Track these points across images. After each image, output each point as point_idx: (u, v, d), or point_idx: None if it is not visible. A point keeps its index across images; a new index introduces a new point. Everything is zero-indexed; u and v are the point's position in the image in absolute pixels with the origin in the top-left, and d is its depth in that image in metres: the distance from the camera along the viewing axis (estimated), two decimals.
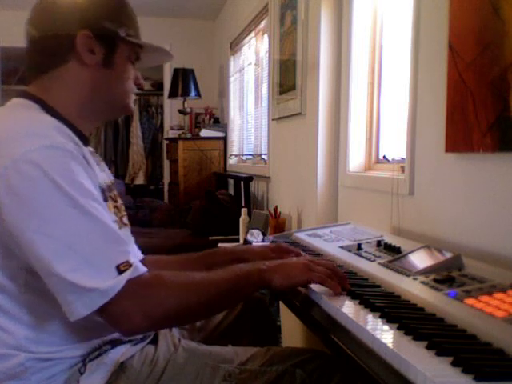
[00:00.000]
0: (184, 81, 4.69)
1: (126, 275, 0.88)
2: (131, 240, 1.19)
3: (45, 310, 0.94)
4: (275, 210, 2.69)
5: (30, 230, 0.86)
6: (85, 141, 1.06)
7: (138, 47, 1.11)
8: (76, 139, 0.98)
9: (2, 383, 0.93)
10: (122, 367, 0.99)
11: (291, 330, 2.16)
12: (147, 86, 6.13)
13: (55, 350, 0.95)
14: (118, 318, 0.91)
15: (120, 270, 0.88)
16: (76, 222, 0.88)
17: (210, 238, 3.22)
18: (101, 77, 1.05)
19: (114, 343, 1.02)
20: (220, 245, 2.79)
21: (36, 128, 0.93)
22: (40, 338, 0.94)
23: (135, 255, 1.17)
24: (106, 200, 1.02)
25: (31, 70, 1.07)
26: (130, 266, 0.90)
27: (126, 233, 1.14)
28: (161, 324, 1.00)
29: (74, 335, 0.96)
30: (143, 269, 0.93)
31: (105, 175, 1.11)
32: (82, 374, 0.96)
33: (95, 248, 0.88)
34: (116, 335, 1.02)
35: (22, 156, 0.87)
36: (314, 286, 1.07)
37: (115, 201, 1.11)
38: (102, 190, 1.01)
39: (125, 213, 1.17)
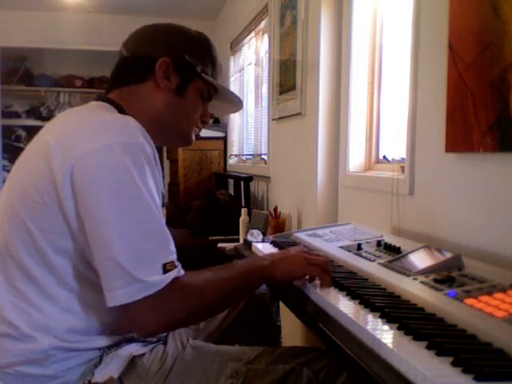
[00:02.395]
0: None
1: (172, 274, 0.92)
2: None
3: (83, 298, 0.96)
4: (275, 210, 2.69)
5: (97, 211, 0.91)
6: None
7: (212, 88, 1.20)
8: (152, 144, 1.01)
9: (21, 366, 0.95)
10: (132, 363, 1.01)
11: (291, 330, 2.16)
12: None
13: (79, 340, 0.97)
14: (143, 316, 0.91)
15: (166, 269, 0.92)
16: (139, 214, 0.92)
17: (210, 238, 3.21)
18: (171, 102, 1.14)
19: (130, 340, 1.04)
20: (220, 245, 2.80)
21: (122, 125, 0.99)
22: (70, 323, 0.97)
23: None
24: (163, 205, 1.05)
25: (114, 81, 1.17)
26: (175, 266, 0.94)
27: None
28: (176, 326, 1.04)
29: (100, 327, 0.99)
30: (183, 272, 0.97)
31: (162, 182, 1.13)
32: (96, 367, 0.98)
33: (150, 243, 0.92)
34: (134, 334, 1.04)
35: (104, 145, 0.93)
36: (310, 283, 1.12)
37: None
38: (162, 196, 1.05)
39: None
